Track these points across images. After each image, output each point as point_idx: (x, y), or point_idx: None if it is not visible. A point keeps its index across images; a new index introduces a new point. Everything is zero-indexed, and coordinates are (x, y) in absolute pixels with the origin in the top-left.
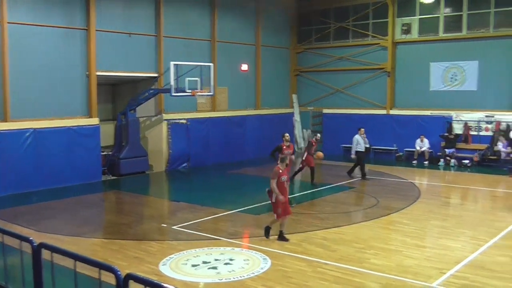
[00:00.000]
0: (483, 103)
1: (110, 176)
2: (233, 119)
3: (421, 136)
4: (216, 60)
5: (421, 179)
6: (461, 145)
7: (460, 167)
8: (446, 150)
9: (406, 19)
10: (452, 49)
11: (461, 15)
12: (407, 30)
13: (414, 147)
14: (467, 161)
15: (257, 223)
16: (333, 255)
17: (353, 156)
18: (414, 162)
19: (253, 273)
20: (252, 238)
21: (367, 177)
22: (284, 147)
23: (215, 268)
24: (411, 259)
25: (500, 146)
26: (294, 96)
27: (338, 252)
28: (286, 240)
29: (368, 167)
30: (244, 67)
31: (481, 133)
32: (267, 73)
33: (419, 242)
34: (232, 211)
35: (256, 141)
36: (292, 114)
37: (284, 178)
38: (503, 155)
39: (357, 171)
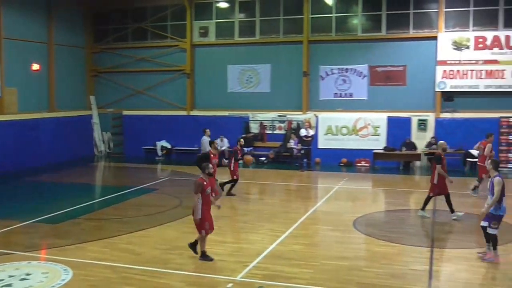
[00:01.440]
0: (276, 104)
1: None
2: (25, 122)
3: (221, 136)
4: (2, 58)
5: (222, 177)
6: (258, 143)
7: (258, 164)
8: (244, 149)
9: (203, 22)
10: (247, 53)
11: (255, 20)
12: (204, 33)
13: None
14: (263, 158)
15: (56, 233)
16: (138, 259)
17: None
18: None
19: (53, 286)
20: (51, 249)
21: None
22: (212, 155)
23: (9, 285)
24: (216, 255)
25: (292, 143)
26: (92, 98)
27: (143, 256)
28: (211, 259)
29: (170, 168)
30: (36, 66)
31: (275, 132)
32: (61, 73)
33: (222, 238)
34: (28, 222)
35: (52, 145)
36: (90, 116)
37: (209, 190)
38: (295, 152)
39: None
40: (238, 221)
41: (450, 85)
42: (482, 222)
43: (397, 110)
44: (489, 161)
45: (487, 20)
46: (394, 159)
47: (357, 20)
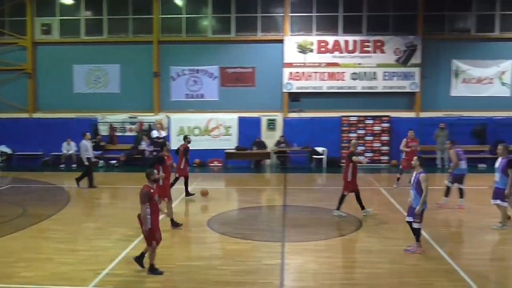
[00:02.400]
0: (126, 105)
1: None
2: None
3: (68, 139)
4: None
5: (71, 182)
6: (108, 146)
7: (108, 167)
8: (94, 152)
9: (46, 19)
10: (95, 52)
11: (102, 19)
12: (47, 30)
13: (61, 151)
14: (114, 162)
15: None
16: None
17: (86, 163)
18: (62, 166)
19: None
20: None
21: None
22: (166, 157)
23: None
24: (66, 265)
25: (144, 145)
26: None
27: None
28: (160, 272)
29: (11, 174)
30: None
31: (126, 134)
32: None
33: (72, 247)
34: None
35: None
36: None
37: (157, 198)
38: (147, 154)
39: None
40: (90, 228)
41: (296, 87)
42: (407, 218)
43: (248, 110)
44: (416, 157)
45: (328, 25)
46: (246, 158)
47: (207, 22)
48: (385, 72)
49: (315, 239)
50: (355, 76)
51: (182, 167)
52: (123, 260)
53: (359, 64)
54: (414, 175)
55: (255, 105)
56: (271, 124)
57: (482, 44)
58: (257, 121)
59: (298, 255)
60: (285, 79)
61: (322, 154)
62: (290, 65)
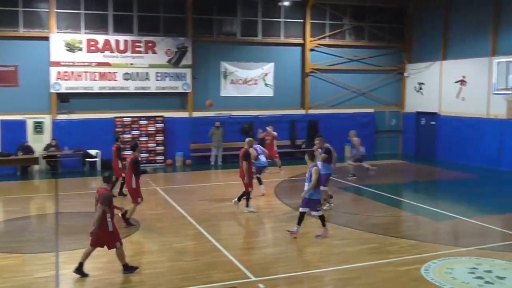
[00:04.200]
0: None
1: None
2: None
3: None
4: None
5: None
6: None
7: None
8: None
9: None
10: None
11: None
12: None
13: None
14: None
15: None
16: None
17: None
18: None
19: None
20: None
21: None
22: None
23: None
24: None
25: None
26: None
27: None
28: (136, 268)
29: None
30: None
31: None
32: None
33: None
34: None
35: None
36: None
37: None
38: None
39: None
40: None
41: (65, 87)
42: (300, 208)
43: (11, 112)
44: (306, 153)
45: (98, 24)
46: (11, 164)
47: None
48: (157, 72)
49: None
50: (127, 77)
51: (120, 166)
52: None
53: (131, 64)
54: (309, 169)
55: (19, 106)
56: (38, 127)
57: (247, 47)
58: (22, 124)
59: (74, 263)
60: (53, 79)
61: (95, 157)
62: (57, 64)
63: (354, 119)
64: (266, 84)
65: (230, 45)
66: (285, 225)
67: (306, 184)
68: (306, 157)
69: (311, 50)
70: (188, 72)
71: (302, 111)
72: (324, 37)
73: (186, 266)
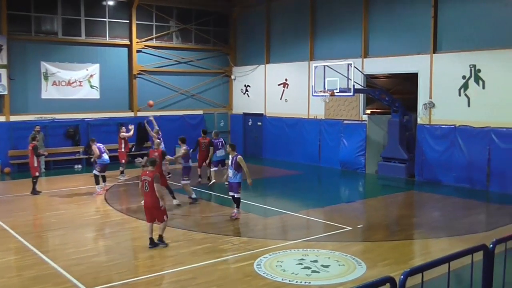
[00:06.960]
0: None
1: None
2: None
3: None
4: None
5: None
6: None
7: None
8: None
9: None
10: None
11: None
12: None
13: None
14: None
15: None
16: None
17: None
18: None
19: None
20: None
21: None
22: None
23: None
24: None
25: None
26: None
27: None
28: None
29: None
30: None
31: None
32: None
33: None
34: None
35: None
36: None
37: None
38: None
39: None
40: None
41: None
42: (230, 193)
43: None
44: (229, 145)
45: None
46: None
47: None
48: None
49: None
50: None
51: (35, 165)
52: None
53: None
54: (231, 158)
55: None
56: None
57: (70, 47)
58: None
59: None
60: None
61: None
62: None
63: (183, 120)
64: (91, 86)
65: (51, 45)
66: (116, 231)
67: (230, 171)
68: (228, 148)
69: (138, 51)
70: (3, 72)
71: (131, 114)
72: (151, 39)
73: (9, 283)
